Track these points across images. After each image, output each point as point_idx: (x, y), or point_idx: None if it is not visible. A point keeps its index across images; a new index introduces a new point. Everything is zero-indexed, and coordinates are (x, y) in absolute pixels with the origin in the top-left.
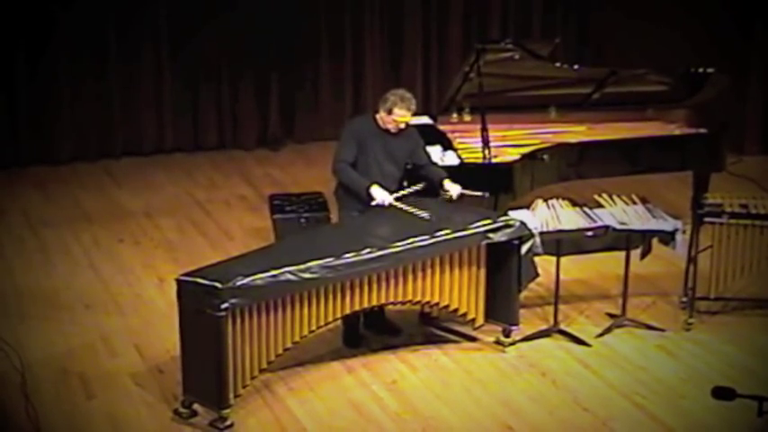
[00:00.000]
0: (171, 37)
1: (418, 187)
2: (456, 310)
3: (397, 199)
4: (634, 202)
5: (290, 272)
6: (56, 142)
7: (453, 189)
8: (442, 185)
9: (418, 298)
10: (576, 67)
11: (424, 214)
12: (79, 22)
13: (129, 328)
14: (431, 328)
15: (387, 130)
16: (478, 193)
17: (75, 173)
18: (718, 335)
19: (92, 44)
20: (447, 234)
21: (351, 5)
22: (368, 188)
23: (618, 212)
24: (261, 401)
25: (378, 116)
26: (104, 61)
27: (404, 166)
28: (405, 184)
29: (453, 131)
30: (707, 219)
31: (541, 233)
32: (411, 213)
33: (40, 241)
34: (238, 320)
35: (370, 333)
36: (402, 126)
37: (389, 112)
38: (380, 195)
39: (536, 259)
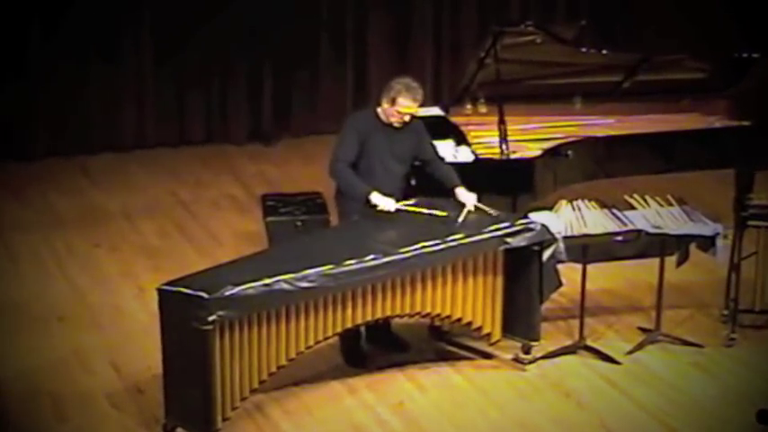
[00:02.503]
0: (153, 20)
1: (425, 210)
2: (470, 324)
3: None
4: (669, 204)
5: (284, 281)
6: (26, 137)
7: (468, 200)
8: (453, 193)
9: (428, 310)
10: (604, 52)
11: (440, 212)
12: (53, 4)
13: (106, 344)
14: (442, 343)
15: (390, 125)
16: (493, 212)
17: (48, 170)
18: (763, 352)
19: (66, 27)
20: (460, 239)
21: None
22: (367, 195)
23: (651, 215)
24: (252, 426)
25: (380, 109)
26: (80, 47)
27: (410, 164)
28: (413, 182)
29: (467, 124)
30: (751, 222)
31: (565, 238)
32: (425, 214)
33: (8, 247)
34: (227, 334)
35: (373, 348)
36: (407, 119)
37: (393, 102)
38: (383, 203)
39: (559, 267)
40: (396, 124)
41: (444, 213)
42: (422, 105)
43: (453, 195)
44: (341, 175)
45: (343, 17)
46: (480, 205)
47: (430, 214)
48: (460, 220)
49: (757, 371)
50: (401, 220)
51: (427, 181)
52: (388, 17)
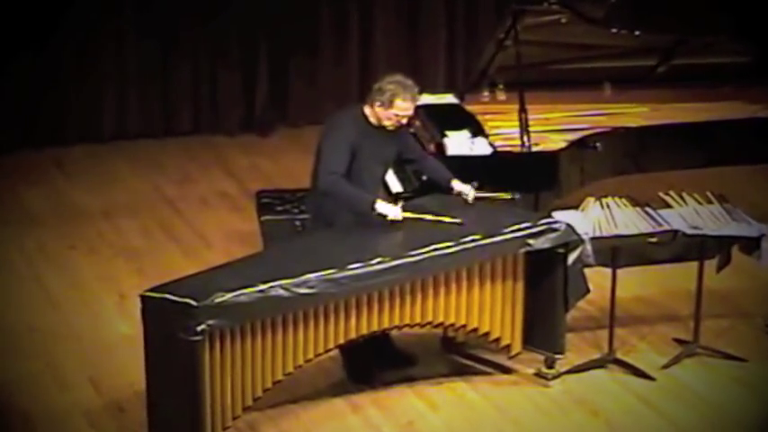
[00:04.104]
0: None
1: (438, 218)
2: (487, 335)
3: (405, 209)
4: (709, 202)
5: (281, 286)
6: None
7: (466, 190)
8: (450, 188)
9: (441, 319)
10: (636, 33)
11: (455, 219)
12: None
13: (83, 356)
14: (456, 356)
15: (379, 127)
16: (505, 196)
17: (18, 164)
18: None
19: (37, 6)
20: (476, 240)
21: None
22: (372, 205)
23: (689, 214)
24: None
25: (368, 111)
26: (53, 25)
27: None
28: (424, 178)
29: (484, 113)
30: None
31: (593, 239)
32: (437, 222)
33: None
34: (218, 346)
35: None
36: (404, 121)
37: (390, 104)
38: (391, 211)
39: (586, 271)
40: (390, 127)
41: (459, 220)
42: (434, 92)
43: (450, 191)
44: (338, 188)
45: None
46: (486, 194)
47: (442, 222)
48: (470, 199)
49: None
50: (409, 221)
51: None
52: None
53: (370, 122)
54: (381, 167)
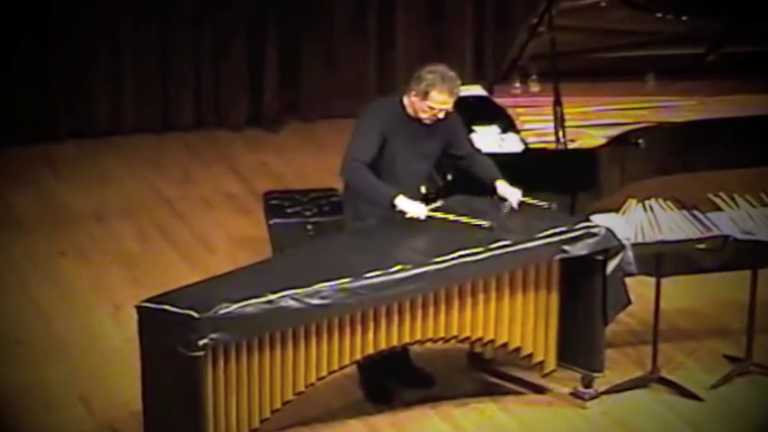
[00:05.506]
0: None
1: (439, 203)
2: (518, 350)
3: (433, 210)
4: (763, 204)
5: (292, 297)
6: None
7: (511, 196)
8: (494, 190)
9: (467, 333)
10: (683, 17)
11: (483, 222)
12: None
13: (74, 373)
14: (483, 374)
15: (417, 119)
16: (544, 204)
17: (4, 162)
18: None
19: None
20: (507, 246)
21: None
22: (392, 200)
23: (740, 217)
24: None
25: (407, 100)
26: (42, 12)
27: (435, 161)
28: (449, 177)
29: (516, 106)
30: None
31: (635, 245)
32: (464, 224)
33: None
34: (221, 362)
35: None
36: (441, 116)
37: (425, 95)
38: (412, 208)
39: (628, 281)
40: (427, 120)
41: (487, 224)
42: (461, 83)
43: (494, 191)
44: (357, 177)
45: None
46: (528, 200)
47: (469, 224)
48: (504, 211)
49: None
50: (433, 223)
51: (465, 176)
52: None
53: (407, 113)
54: (420, 162)
